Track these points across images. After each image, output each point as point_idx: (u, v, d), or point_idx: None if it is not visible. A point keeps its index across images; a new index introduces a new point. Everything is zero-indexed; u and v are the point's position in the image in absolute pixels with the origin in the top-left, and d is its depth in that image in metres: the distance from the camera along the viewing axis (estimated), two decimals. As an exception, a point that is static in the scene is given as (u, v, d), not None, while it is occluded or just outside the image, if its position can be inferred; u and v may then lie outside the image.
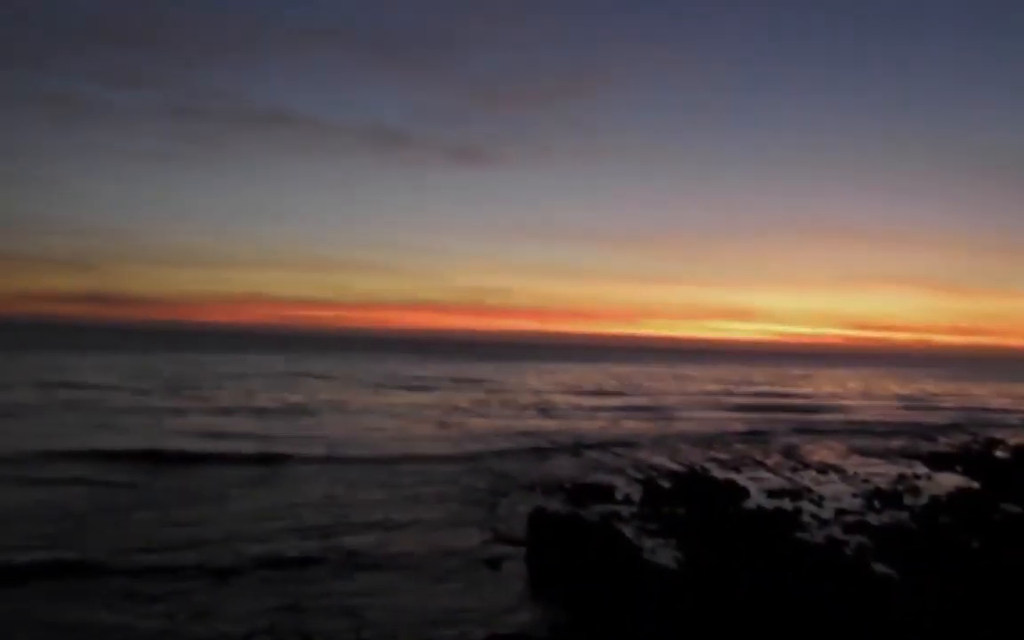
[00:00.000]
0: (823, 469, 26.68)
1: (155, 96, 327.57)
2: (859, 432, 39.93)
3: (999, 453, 33.22)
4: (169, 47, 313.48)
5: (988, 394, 78.54)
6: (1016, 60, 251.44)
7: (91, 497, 18.37)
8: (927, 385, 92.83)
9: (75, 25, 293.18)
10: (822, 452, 31.49)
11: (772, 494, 21.29)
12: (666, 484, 21.88)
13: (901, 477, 25.21)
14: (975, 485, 23.90)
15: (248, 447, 26.37)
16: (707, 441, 33.53)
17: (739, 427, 39.45)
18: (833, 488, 22.90)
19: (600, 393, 61.66)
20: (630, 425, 38.90)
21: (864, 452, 31.89)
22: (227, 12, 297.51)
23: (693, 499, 19.37)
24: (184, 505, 17.72)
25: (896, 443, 35.50)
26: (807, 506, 19.74)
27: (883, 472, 26.44)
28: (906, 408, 58.36)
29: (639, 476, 23.78)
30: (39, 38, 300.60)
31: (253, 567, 13.41)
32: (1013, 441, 37.23)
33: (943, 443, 36.30)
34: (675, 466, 26.16)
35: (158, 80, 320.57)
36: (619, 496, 20.25)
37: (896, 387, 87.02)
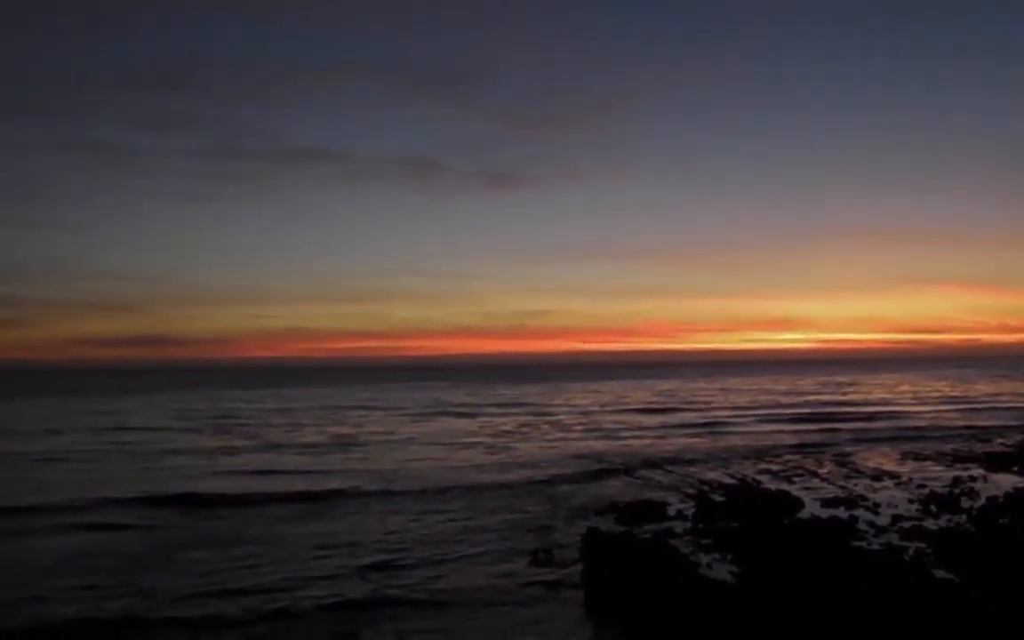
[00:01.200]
0: (877, 476, 26.36)
1: (192, 139, 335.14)
2: (912, 437, 39.40)
3: (1058, 450, 32.55)
4: (204, 90, 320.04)
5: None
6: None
7: (147, 542, 18.53)
8: (979, 385, 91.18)
9: (111, 74, 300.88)
10: (875, 459, 31.09)
11: (826, 503, 21.09)
12: (719, 498, 21.77)
13: (957, 480, 24.80)
14: (1034, 484, 23.46)
15: (300, 484, 26.61)
16: (758, 453, 33.29)
17: (789, 438, 39.10)
18: (888, 494, 22.62)
19: (646, 410, 61.44)
20: (679, 441, 38.71)
21: (918, 456, 31.43)
22: (259, 52, 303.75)
23: (747, 512, 19.21)
24: (240, 546, 17.76)
25: (950, 446, 34.95)
26: (863, 514, 19.53)
27: (939, 476, 26.06)
28: (958, 409, 57.43)
29: (691, 492, 23.68)
30: (77, 88, 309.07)
31: (314, 610, 13.28)
32: (1071, 437, 36.46)
33: (998, 443, 35.66)
34: (727, 480, 26.02)
35: (194, 123, 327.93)
36: (672, 512, 20.18)
37: (947, 389, 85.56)
